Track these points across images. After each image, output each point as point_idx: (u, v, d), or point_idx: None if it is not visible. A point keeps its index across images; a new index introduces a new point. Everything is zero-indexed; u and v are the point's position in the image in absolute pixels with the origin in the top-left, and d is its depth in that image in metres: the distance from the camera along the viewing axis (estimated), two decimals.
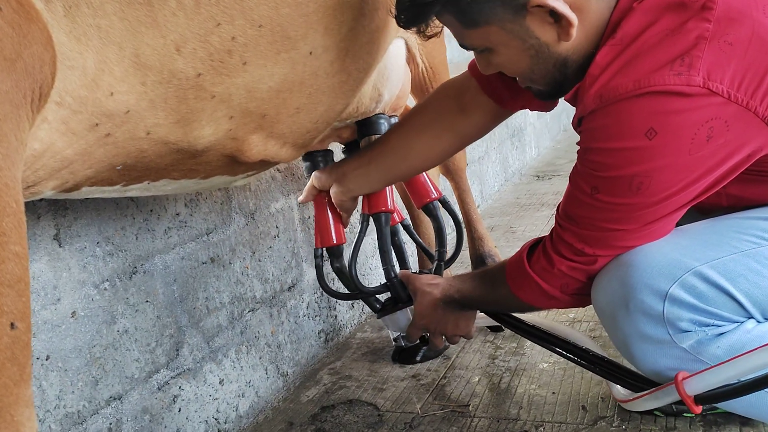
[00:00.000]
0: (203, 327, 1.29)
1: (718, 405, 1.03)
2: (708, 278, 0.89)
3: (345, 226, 1.38)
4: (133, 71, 0.69)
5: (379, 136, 1.33)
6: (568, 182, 0.97)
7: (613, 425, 1.18)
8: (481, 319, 1.25)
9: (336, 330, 1.74)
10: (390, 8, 1.01)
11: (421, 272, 1.35)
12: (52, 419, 0.98)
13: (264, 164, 1.01)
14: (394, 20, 0.97)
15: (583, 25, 0.87)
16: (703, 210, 1.01)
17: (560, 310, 1.64)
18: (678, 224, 0.96)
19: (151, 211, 1.19)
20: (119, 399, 1.10)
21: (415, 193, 1.47)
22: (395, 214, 1.41)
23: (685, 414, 1.14)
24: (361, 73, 1.05)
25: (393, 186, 1.39)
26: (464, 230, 1.50)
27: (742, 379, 0.85)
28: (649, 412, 1.15)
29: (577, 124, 0.92)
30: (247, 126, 0.88)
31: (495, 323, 1.24)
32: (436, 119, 1.20)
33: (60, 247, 1.00)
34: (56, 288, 0.99)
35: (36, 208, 0.97)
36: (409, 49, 1.42)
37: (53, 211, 1.00)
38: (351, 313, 1.82)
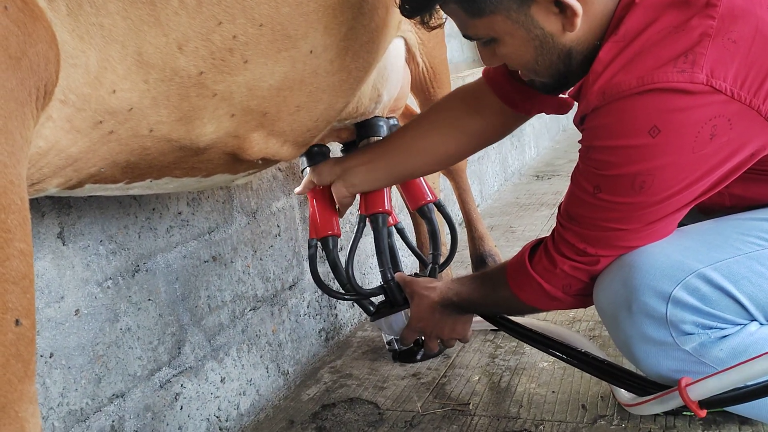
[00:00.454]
0: (205, 325, 1.30)
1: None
2: (711, 280, 0.88)
3: (341, 217, 1.37)
4: (135, 69, 0.69)
5: (377, 138, 1.33)
6: (569, 181, 0.96)
7: (613, 424, 1.18)
8: (478, 323, 1.25)
9: (337, 329, 1.75)
10: (390, 6, 1.01)
11: (417, 275, 1.35)
12: (56, 416, 0.98)
13: (265, 162, 1.01)
14: (393, 19, 0.97)
15: (587, 17, 0.87)
16: (705, 210, 1.00)
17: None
18: (680, 224, 0.95)
19: (154, 209, 1.19)
20: (122, 396, 1.11)
21: (410, 195, 1.46)
22: (390, 217, 1.40)
23: (684, 413, 1.14)
24: (361, 71, 1.05)
25: (391, 187, 1.39)
26: (458, 234, 1.49)
27: (748, 384, 0.84)
28: None
29: (580, 122, 0.92)
30: (249, 124, 0.88)
31: (494, 327, 1.23)
32: (447, 119, 1.20)
33: (64, 245, 1.01)
34: (60, 286, 1.00)
35: (40, 207, 0.97)
36: (408, 49, 1.43)
37: (57, 210, 1.00)
38: (352, 312, 1.82)
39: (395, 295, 1.30)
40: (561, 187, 3.18)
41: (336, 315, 1.75)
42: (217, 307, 1.33)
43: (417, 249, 1.56)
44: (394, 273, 1.32)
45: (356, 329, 1.81)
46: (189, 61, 0.74)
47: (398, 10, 0.95)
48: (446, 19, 0.99)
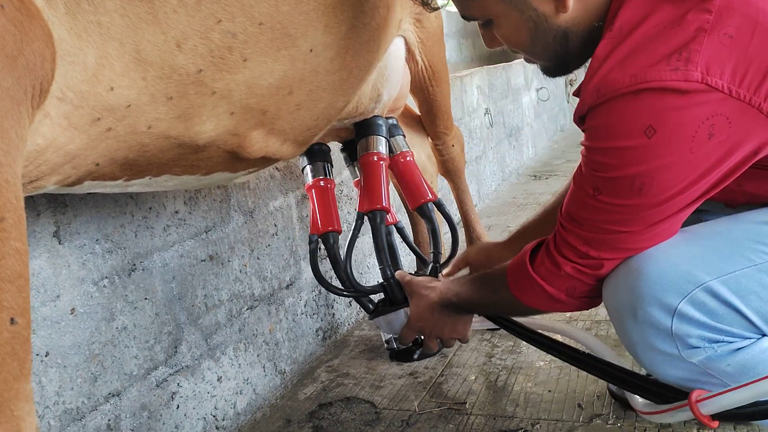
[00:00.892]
0: (202, 324, 1.30)
1: None
2: (718, 295, 0.86)
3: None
4: (134, 66, 0.69)
5: (377, 137, 1.33)
6: (571, 183, 0.95)
7: (609, 423, 1.18)
8: (478, 323, 1.24)
9: (334, 328, 1.74)
10: (391, 5, 1.01)
11: (417, 273, 1.34)
12: (51, 415, 0.98)
13: (265, 161, 1.01)
14: (395, 18, 0.97)
15: None
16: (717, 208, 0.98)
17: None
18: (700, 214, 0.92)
19: (150, 208, 1.19)
20: (118, 395, 1.10)
21: (409, 194, 1.46)
22: (389, 215, 1.40)
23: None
24: (361, 70, 1.05)
25: (389, 184, 1.39)
26: (458, 233, 1.49)
27: (760, 401, 0.83)
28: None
29: (580, 121, 0.90)
30: (248, 122, 0.88)
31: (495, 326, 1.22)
32: None
33: (60, 244, 1.01)
34: (56, 285, 0.99)
35: (36, 205, 0.97)
36: (408, 48, 1.43)
37: (53, 208, 1.00)
38: (349, 311, 1.82)
39: (395, 293, 1.29)
40: (558, 187, 3.18)
41: (333, 314, 1.75)
42: (213, 306, 1.33)
43: (417, 248, 1.56)
44: (394, 271, 1.32)
45: (353, 328, 1.80)
46: (187, 58, 0.74)
47: (399, 9, 0.95)
48: (448, 2, 0.98)
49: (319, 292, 1.69)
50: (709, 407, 0.86)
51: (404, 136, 1.51)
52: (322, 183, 1.38)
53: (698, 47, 0.78)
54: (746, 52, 0.78)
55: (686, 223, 0.92)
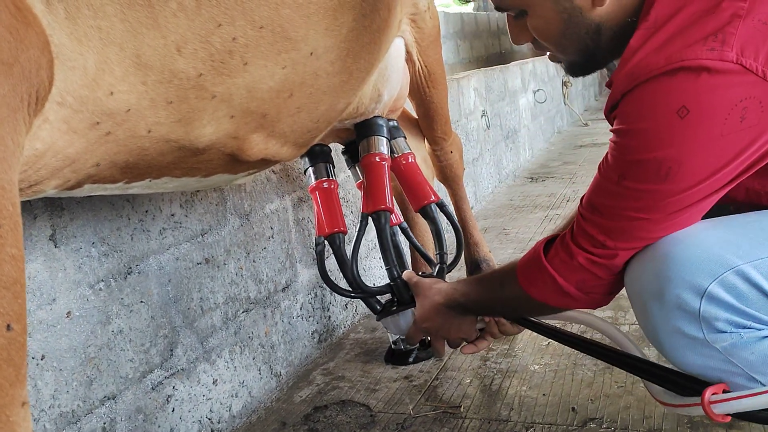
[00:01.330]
0: (197, 327, 1.29)
1: None
2: (750, 278, 0.85)
3: None
4: (134, 71, 0.69)
5: (377, 137, 1.32)
6: (596, 171, 0.94)
7: (602, 427, 1.19)
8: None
9: (329, 331, 1.74)
10: (391, 7, 1.01)
11: (423, 274, 1.34)
12: (47, 418, 0.98)
13: (265, 163, 1.01)
14: (395, 20, 0.97)
15: None
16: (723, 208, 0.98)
17: None
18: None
19: (147, 211, 1.18)
20: (113, 399, 1.10)
21: (413, 195, 1.46)
22: (393, 215, 1.40)
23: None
24: (362, 72, 1.05)
25: (390, 185, 1.39)
26: (462, 234, 1.49)
27: None
28: (643, 412, 1.15)
29: (609, 110, 0.91)
30: (248, 125, 0.88)
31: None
32: None
33: (56, 247, 1.00)
34: (52, 288, 0.99)
35: (32, 209, 0.96)
36: (407, 49, 1.42)
37: (49, 212, 0.99)
38: (344, 314, 1.82)
39: (402, 293, 1.29)
40: (555, 189, 3.19)
41: (329, 317, 1.75)
42: (209, 309, 1.33)
43: (423, 249, 1.56)
44: (401, 271, 1.31)
45: (349, 331, 1.80)
46: (188, 63, 0.74)
47: (399, 10, 0.95)
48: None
49: (315, 295, 1.69)
50: (722, 408, 0.86)
51: (405, 138, 1.51)
52: (325, 184, 1.38)
53: (734, 30, 0.80)
54: None
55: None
